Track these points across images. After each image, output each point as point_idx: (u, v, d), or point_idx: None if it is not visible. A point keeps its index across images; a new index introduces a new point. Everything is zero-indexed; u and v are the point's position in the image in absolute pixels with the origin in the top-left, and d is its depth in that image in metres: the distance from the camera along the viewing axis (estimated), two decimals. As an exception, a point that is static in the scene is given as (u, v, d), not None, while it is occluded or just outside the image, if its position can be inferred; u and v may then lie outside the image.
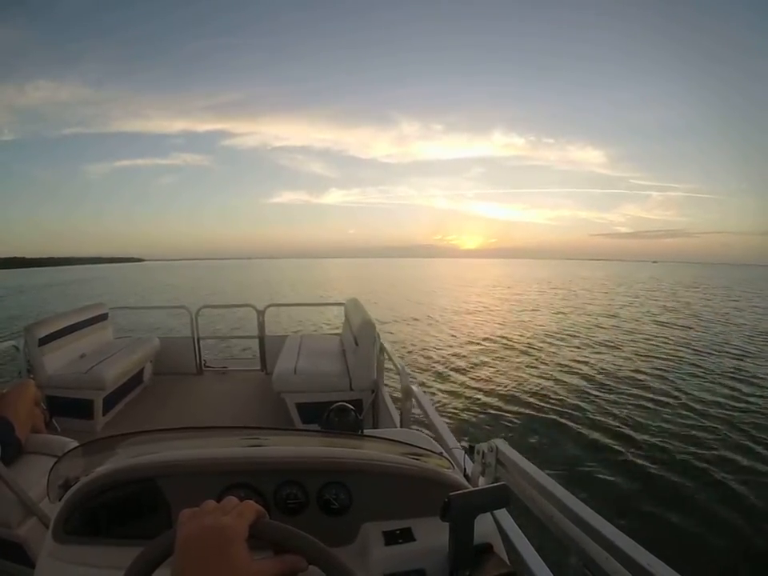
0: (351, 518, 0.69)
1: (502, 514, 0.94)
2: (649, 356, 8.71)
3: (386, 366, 2.96)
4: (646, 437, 4.69)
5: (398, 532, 0.66)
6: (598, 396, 6.07)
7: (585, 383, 6.70)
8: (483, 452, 1.04)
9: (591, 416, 5.30)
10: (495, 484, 0.61)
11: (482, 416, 5.39)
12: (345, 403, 1.43)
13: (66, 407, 2.81)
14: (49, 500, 0.69)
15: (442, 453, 0.85)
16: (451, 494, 0.54)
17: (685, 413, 5.46)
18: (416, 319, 13.68)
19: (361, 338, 2.79)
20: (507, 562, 0.61)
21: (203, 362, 4.03)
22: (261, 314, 3.97)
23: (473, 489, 0.62)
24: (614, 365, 7.94)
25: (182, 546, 0.35)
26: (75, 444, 1.78)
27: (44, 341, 2.84)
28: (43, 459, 1.75)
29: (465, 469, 1.11)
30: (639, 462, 4.19)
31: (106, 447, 0.73)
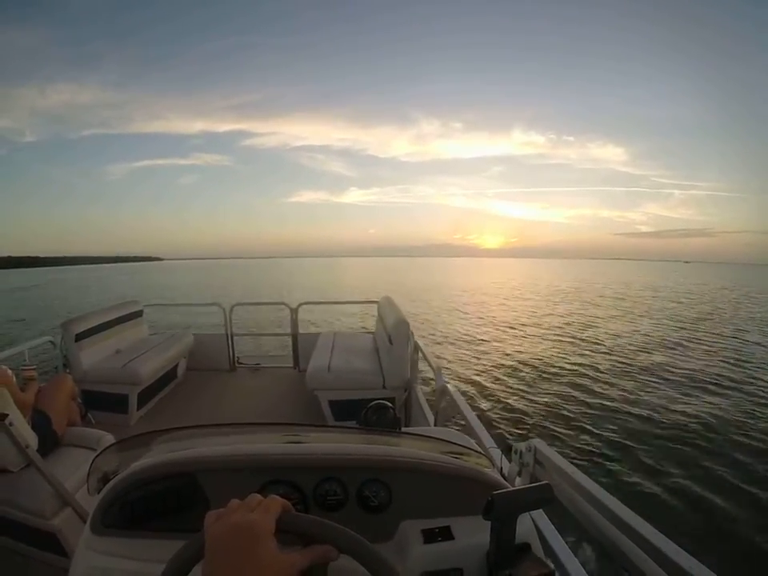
0: (390, 515, 0.69)
1: (538, 514, 0.93)
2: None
3: (420, 364, 2.94)
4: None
5: (436, 530, 0.65)
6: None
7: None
8: (521, 452, 1.03)
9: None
10: (538, 483, 0.59)
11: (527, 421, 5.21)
12: (383, 401, 1.41)
13: (101, 401, 2.85)
14: (88, 492, 0.70)
15: (480, 452, 0.85)
16: (494, 492, 0.53)
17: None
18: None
19: (395, 336, 2.77)
20: (545, 561, 0.61)
21: (236, 359, 4.06)
22: (294, 311, 3.99)
23: (516, 488, 0.61)
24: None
25: (212, 547, 0.35)
26: (110, 437, 1.80)
27: (80, 336, 2.91)
28: (79, 451, 1.78)
29: (501, 468, 1.08)
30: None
31: (146, 442, 0.73)
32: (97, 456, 0.71)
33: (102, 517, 0.65)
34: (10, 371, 1.73)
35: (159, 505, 0.66)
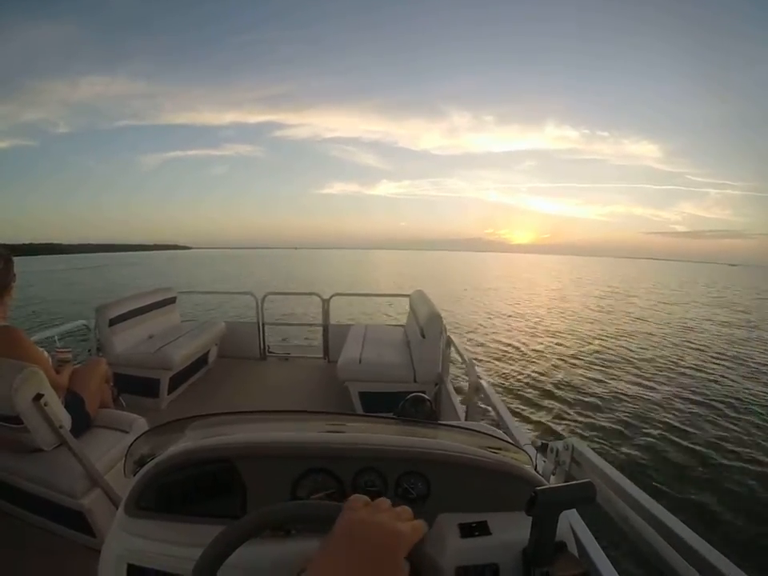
0: (428, 507, 0.68)
1: (572, 513, 0.90)
2: None
3: (452, 359, 2.92)
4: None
5: (473, 525, 0.64)
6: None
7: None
8: (557, 450, 1.02)
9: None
10: (581, 481, 0.57)
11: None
12: (421, 393, 1.45)
13: (133, 385, 2.89)
14: (124, 474, 0.71)
15: (518, 447, 0.84)
16: (538, 488, 0.52)
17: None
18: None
19: (428, 330, 2.75)
20: (580, 561, 0.60)
21: (267, 348, 4.09)
22: (326, 302, 3.98)
23: (558, 485, 0.59)
24: None
25: (353, 529, 0.35)
26: (142, 420, 1.85)
27: (114, 321, 2.98)
28: (111, 433, 1.80)
29: (536, 466, 1.01)
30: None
31: (182, 427, 0.73)
32: (135, 440, 0.72)
33: (137, 499, 0.65)
34: (46, 353, 1.75)
35: (195, 490, 0.66)
